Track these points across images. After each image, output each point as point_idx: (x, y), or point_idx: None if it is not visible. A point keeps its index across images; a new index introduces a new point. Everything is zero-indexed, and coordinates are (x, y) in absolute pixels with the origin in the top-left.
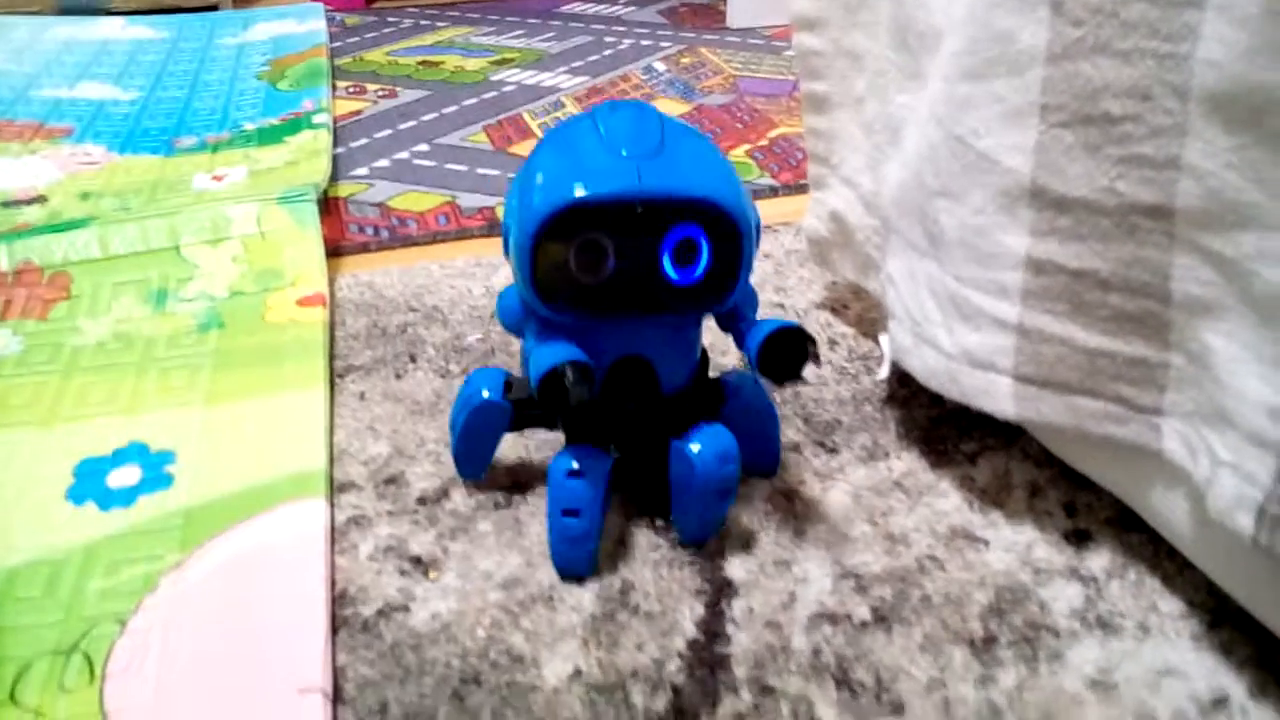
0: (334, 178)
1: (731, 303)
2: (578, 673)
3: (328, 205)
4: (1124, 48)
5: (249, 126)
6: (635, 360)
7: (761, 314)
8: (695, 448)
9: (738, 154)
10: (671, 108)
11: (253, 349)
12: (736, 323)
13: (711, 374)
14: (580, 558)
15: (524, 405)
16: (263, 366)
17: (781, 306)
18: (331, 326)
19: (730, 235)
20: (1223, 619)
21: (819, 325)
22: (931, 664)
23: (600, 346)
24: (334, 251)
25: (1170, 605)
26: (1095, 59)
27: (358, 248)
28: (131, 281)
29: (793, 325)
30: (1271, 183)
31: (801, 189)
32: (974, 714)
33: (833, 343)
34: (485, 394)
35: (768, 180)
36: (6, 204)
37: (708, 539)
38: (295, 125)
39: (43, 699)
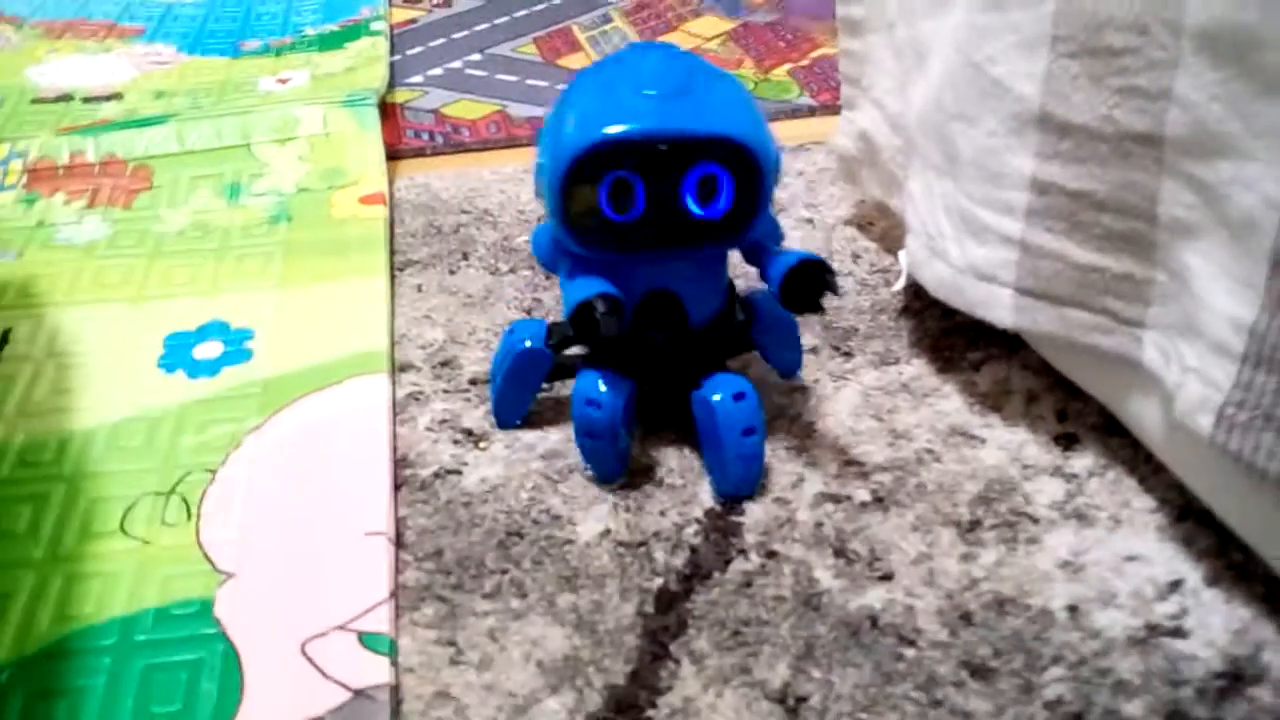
0: (390, 84)
1: (754, 236)
2: (607, 531)
3: (385, 110)
4: None
5: (310, 32)
6: (663, 294)
7: (791, 228)
8: (715, 396)
9: (779, 73)
10: (716, 25)
11: (320, 241)
12: (760, 255)
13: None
14: (608, 472)
15: (564, 349)
16: (329, 257)
17: (810, 222)
18: (391, 224)
19: (751, 172)
20: (1187, 515)
21: (845, 240)
22: (920, 541)
23: (630, 281)
24: (392, 155)
25: (1142, 502)
26: None
27: (414, 152)
28: (207, 175)
29: (814, 257)
30: (1248, 115)
31: (838, 110)
32: (954, 583)
33: (856, 256)
34: (527, 343)
35: (806, 100)
36: (87, 100)
37: (748, 489)
38: (354, 32)
39: (148, 531)
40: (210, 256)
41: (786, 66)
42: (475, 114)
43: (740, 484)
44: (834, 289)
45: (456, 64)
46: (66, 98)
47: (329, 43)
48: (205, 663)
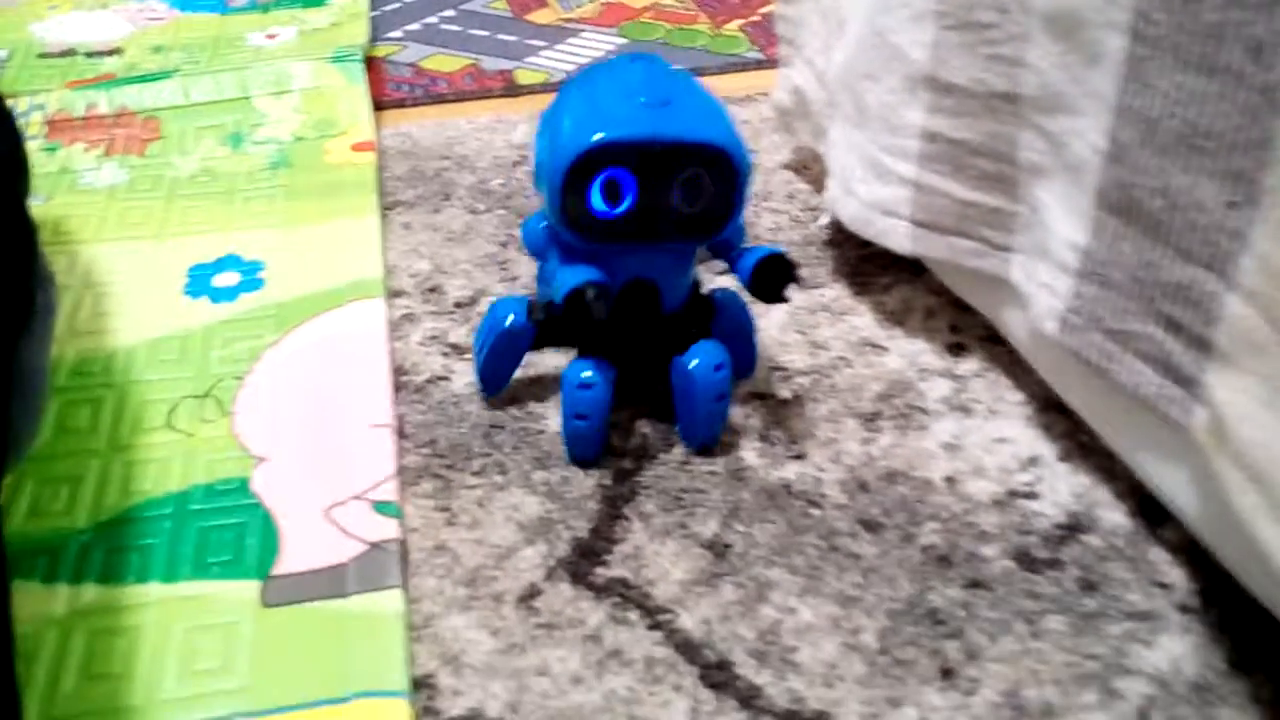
0: (372, 39)
1: (727, 232)
2: None
3: (369, 64)
4: None
5: None
6: (642, 283)
7: None
8: (694, 362)
9: (731, 28)
10: None
11: (317, 184)
12: (728, 250)
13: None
14: (588, 452)
15: (546, 325)
16: (326, 198)
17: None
18: (379, 169)
19: (731, 175)
20: (1048, 406)
21: (782, 182)
22: (830, 429)
23: (613, 270)
24: (376, 105)
25: (1014, 396)
26: None
27: (396, 103)
28: (211, 126)
29: (779, 252)
30: (1079, 80)
31: None
32: (855, 461)
33: (790, 196)
34: (511, 318)
35: (755, 54)
36: (90, 54)
37: (712, 443)
38: None
39: (190, 425)
40: (220, 199)
41: (738, 22)
42: (451, 67)
43: (706, 439)
44: (797, 280)
45: (432, 19)
46: (71, 52)
47: None
48: (248, 525)
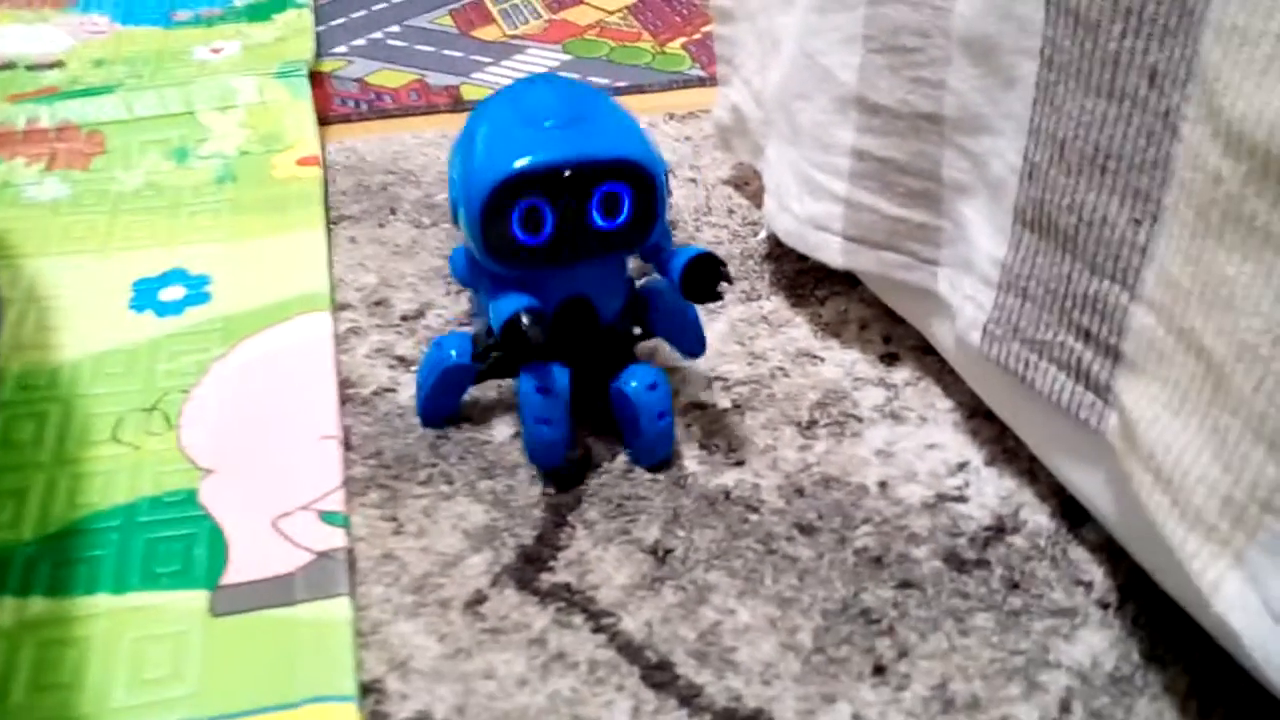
0: (317, 54)
1: (652, 240)
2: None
3: (314, 79)
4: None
5: (238, 2)
6: (577, 299)
7: (678, 187)
8: (632, 384)
9: (674, 46)
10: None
11: (263, 198)
12: (658, 255)
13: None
14: (554, 457)
15: (487, 361)
16: (272, 213)
17: (694, 181)
18: (325, 183)
19: (647, 186)
20: (976, 413)
21: (722, 197)
22: (768, 436)
23: (546, 291)
24: (322, 120)
25: (944, 404)
26: (896, 5)
27: (341, 118)
28: (156, 141)
29: (707, 252)
30: (996, 101)
31: None
32: (792, 467)
33: (730, 211)
34: (454, 354)
35: (698, 71)
36: (30, 68)
37: (663, 459)
38: (281, 3)
39: (136, 438)
40: (165, 213)
41: (681, 40)
42: (396, 82)
43: (656, 457)
44: (728, 278)
45: (378, 35)
46: (10, 65)
47: (257, 13)
48: (196, 536)
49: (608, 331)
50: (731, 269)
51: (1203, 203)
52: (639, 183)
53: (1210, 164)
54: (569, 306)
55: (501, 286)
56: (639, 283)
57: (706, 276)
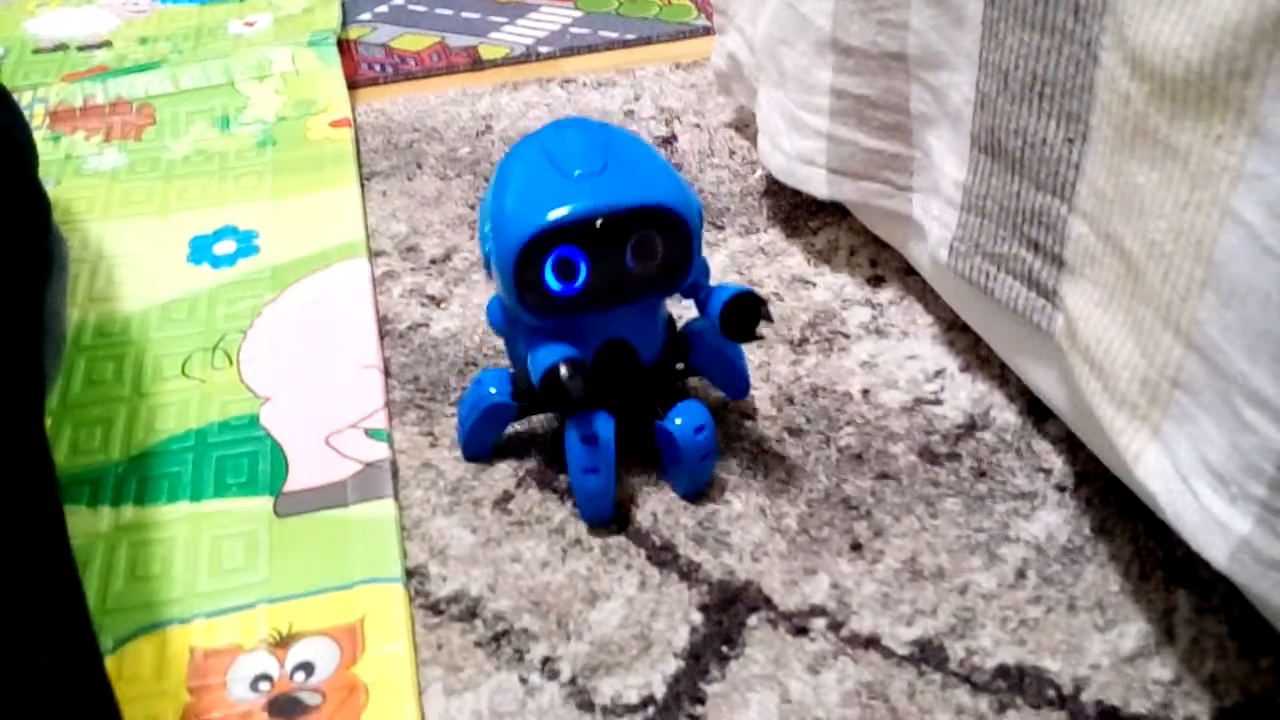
0: (343, 23)
1: (689, 281)
2: None
3: (342, 47)
4: None
5: None
6: (617, 343)
7: (683, 131)
8: (678, 421)
9: None
10: None
11: (301, 159)
12: (696, 293)
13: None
14: (603, 507)
15: (529, 400)
16: (310, 172)
17: (698, 126)
18: (356, 143)
19: (681, 229)
20: (953, 326)
21: (725, 139)
22: (763, 355)
23: (585, 337)
24: (351, 85)
25: (924, 319)
26: None
27: (369, 81)
28: (201, 111)
29: (747, 291)
30: (951, 39)
31: None
32: (784, 379)
33: (732, 152)
34: (493, 391)
35: (703, 22)
36: (81, 48)
37: (701, 490)
38: None
39: (203, 373)
40: (214, 176)
41: None
42: (419, 46)
43: (693, 490)
44: (769, 318)
45: (399, 1)
46: (63, 47)
47: None
48: (259, 453)
49: (649, 372)
50: (733, 205)
51: (1118, 121)
52: (672, 227)
53: (1122, 86)
54: (608, 350)
55: (538, 336)
56: (680, 324)
57: (746, 316)
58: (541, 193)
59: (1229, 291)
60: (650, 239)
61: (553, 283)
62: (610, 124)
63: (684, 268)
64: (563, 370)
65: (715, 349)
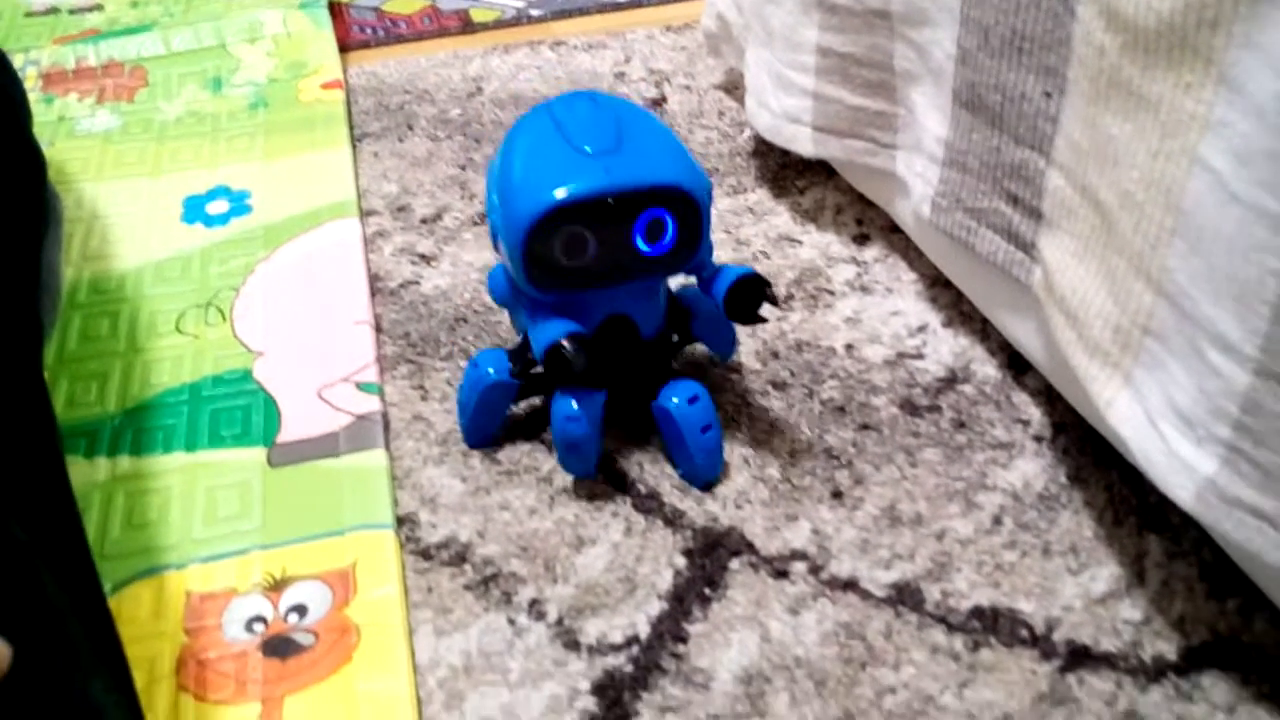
0: None
1: (695, 260)
2: None
3: (334, 10)
4: None
5: None
6: (618, 318)
7: (673, 94)
8: (673, 400)
9: None
10: None
11: (292, 120)
12: (700, 272)
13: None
14: (586, 457)
15: (529, 378)
16: (301, 133)
17: (688, 88)
18: (348, 104)
19: (691, 210)
20: (936, 283)
21: (714, 100)
22: None
23: (587, 311)
24: (343, 47)
25: (908, 276)
26: None
27: (360, 44)
28: (193, 73)
29: (751, 272)
30: None
31: None
32: (770, 335)
33: (721, 113)
34: (491, 371)
35: None
36: (72, 11)
37: (712, 475)
38: None
39: (197, 329)
40: (206, 138)
41: None
42: (410, 9)
43: (705, 473)
44: (774, 300)
45: None
46: (54, 10)
47: None
48: (253, 405)
49: (648, 346)
50: (721, 165)
51: (1093, 73)
52: (682, 207)
53: (1097, 39)
54: (610, 325)
55: (541, 310)
56: (675, 289)
57: (750, 298)
58: (553, 168)
59: (1196, 238)
60: (661, 218)
61: (561, 259)
62: (620, 97)
63: (693, 247)
64: (567, 345)
65: (714, 316)
